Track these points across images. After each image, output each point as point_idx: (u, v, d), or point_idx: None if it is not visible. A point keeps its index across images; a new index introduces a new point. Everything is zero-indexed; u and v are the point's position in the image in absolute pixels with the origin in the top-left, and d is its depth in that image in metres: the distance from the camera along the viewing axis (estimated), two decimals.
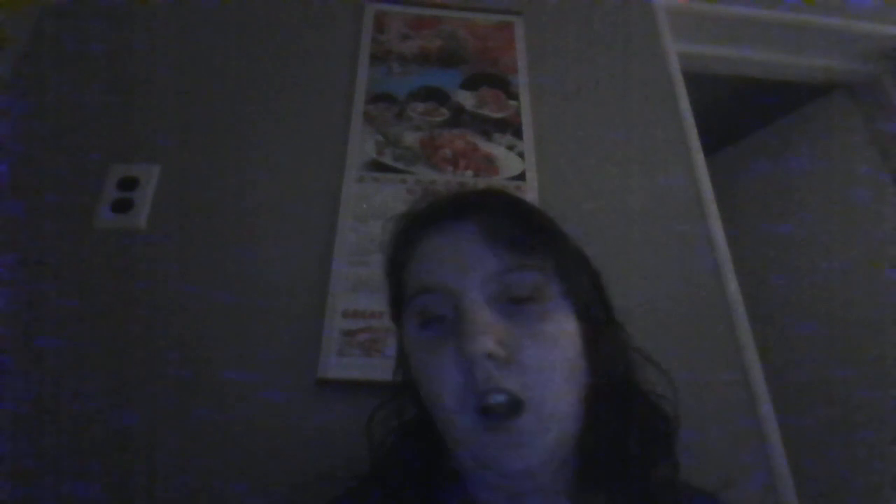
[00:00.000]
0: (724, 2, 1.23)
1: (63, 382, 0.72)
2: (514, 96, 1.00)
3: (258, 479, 0.69)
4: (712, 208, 0.97)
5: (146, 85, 0.95)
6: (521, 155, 0.94)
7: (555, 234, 0.45)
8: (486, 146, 0.95)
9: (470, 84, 1.01)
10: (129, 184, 0.85)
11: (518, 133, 0.97)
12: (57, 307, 0.76)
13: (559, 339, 0.40)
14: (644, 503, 0.41)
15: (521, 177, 0.92)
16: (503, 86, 1.02)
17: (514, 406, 0.38)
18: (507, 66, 1.04)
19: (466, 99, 0.99)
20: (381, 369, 0.72)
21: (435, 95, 0.99)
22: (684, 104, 1.07)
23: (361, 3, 1.07)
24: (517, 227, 0.43)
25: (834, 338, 1.28)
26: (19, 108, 0.90)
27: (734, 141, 1.68)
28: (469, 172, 0.92)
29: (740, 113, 1.69)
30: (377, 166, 0.91)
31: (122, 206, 0.83)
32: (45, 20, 0.98)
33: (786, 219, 1.48)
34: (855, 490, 1.15)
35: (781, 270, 1.43)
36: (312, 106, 0.96)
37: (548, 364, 0.39)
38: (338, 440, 0.70)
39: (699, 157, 1.02)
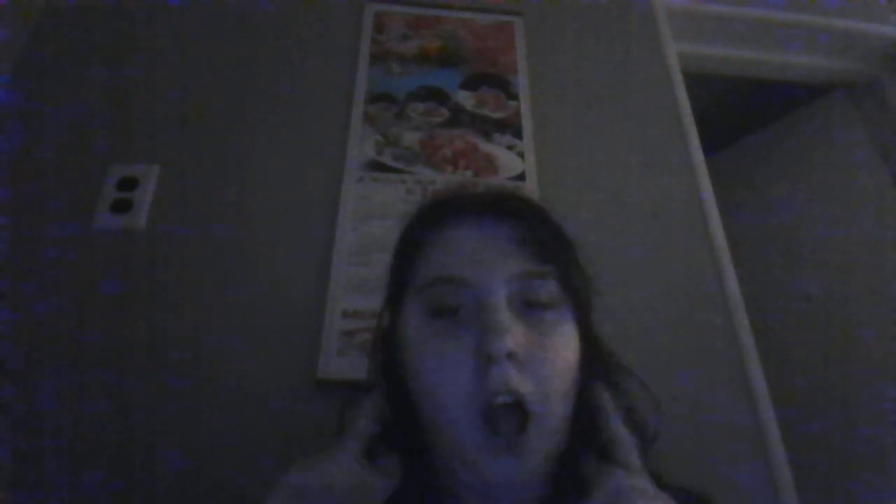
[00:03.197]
0: (724, 2, 1.23)
1: (63, 383, 0.72)
2: (513, 96, 1.00)
3: (257, 479, 0.68)
4: (712, 208, 0.97)
5: (146, 85, 0.95)
6: (521, 155, 0.94)
7: (571, 247, 0.47)
8: (485, 146, 0.95)
9: (470, 84, 1.01)
10: (128, 184, 0.85)
11: (518, 133, 0.96)
12: (57, 307, 0.76)
13: (567, 349, 0.41)
14: None
15: (521, 177, 0.92)
16: (503, 86, 1.01)
17: (521, 417, 0.37)
18: (507, 66, 1.04)
19: (466, 99, 0.99)
20: None
21: (435, 95, 0.99)
22: (684, 104, 1.07)
23: (361, 2, 1.07)
24: (545, 235, 0.44)
25: (834, 337, 1.28)
26: (19, 109, 0.90)
27: (734, 141, 1.68)
28: (469, 172, 0.92)
29: (740, 113, 1.69)
30: (377, 166, 0.91)
31: (121, 207, 0.83)
32: (45, 20, 0.98)
33: (786, 218, 1.48)
34: (855, 489, 1.14)
35: (782, 270, 1.43)
36: (312, 106, 0.96)
37: (556, 373, 0.40)
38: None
39: (699, 157, 1.02)
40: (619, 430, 0.40)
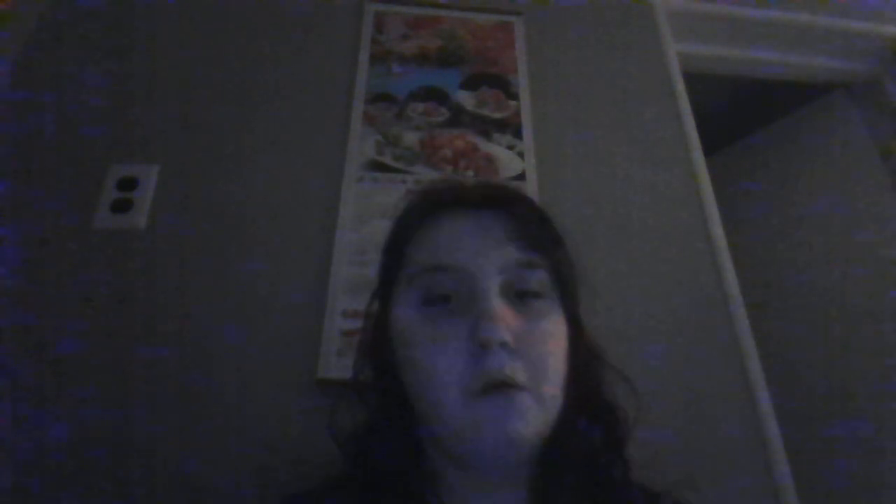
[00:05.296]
0: (724, 2, 1.23)
1: (62, 383, 0.72)
2: (514, 96, 1.00)
3: (258, 479, 0.68)
4: (712, 208, 0.97)
5: (146, 85, 0.95)
6: (521, 155, 0.94)
7: (560, 240, 0.48)
8: (486, 146, 0.95)
9: (470, 84, 1.01)
10: (128, 184, 0.85)
11: (518, 133, 0.96)
12: (56, 307, 0.76)
13: (556, 337, 0.42)
14: (597, 497, 0.43)
15: (521, 177, 0.92)
16: (503, 86, 1.01)
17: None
18: (507, 66, 1.04)
19: (466, 99, 0.99)
20: None
21: (435, 95, 0.99)
22: (684, 104, 1.07)
23: (361, 2, 1.07)
24: (535, 226, 0.45)
25: (834, 337, 1.28)
26: (19, 109, 0.90)
27: (734, 141, 1.68)
28: (469, 172, 0.92)
29: (740, 113, 1.69)
30: (377, 166, 0.91)
31: (121, 207, 0.83)
32: (44, 20, 0.98)
33: (786, 219, 1.48)
34: (856, 490, 1.14)
35: (781, 270, 1.43)
36: (312, 106, 0.96)
37: (548, 359, 0.41)
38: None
39: (699, 157, 1.02)
40: None
